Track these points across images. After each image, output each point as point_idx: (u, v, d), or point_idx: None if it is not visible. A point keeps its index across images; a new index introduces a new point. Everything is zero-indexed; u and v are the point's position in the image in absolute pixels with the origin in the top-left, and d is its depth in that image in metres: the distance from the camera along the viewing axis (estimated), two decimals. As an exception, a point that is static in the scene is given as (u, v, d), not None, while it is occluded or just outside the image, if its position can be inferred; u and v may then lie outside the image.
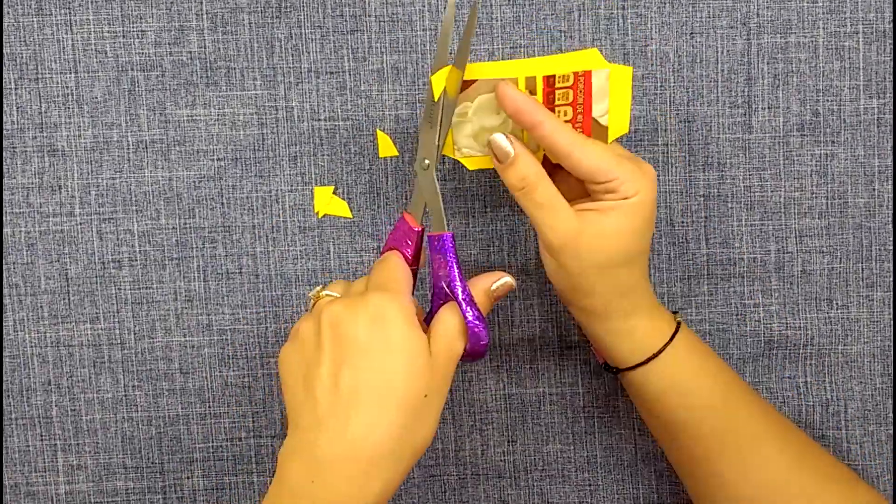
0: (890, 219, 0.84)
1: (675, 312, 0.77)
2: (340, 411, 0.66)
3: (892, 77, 0.83)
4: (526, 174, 0.71)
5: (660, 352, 0.74)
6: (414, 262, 0.74)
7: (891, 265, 0.85)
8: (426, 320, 0.72)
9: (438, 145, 0.74)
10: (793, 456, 0.75)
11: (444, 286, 0.71)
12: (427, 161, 0.74)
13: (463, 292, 0.70)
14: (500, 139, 0.72)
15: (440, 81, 0.72)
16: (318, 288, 0.72)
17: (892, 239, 0.84)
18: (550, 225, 0.71)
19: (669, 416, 0.75)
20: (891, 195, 0.84)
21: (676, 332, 0.75)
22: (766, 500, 0.74)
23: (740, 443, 0.74)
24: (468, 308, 0.70)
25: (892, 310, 0.85)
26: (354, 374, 0.66)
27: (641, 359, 0.74)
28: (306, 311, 0.78)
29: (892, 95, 0.83)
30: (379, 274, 0.71)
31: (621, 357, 0.75)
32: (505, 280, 0.72)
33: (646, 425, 0.80)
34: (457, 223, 0.84)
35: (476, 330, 0.69)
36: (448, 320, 0.70)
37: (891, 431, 0.85)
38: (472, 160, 0.75)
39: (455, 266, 0.71)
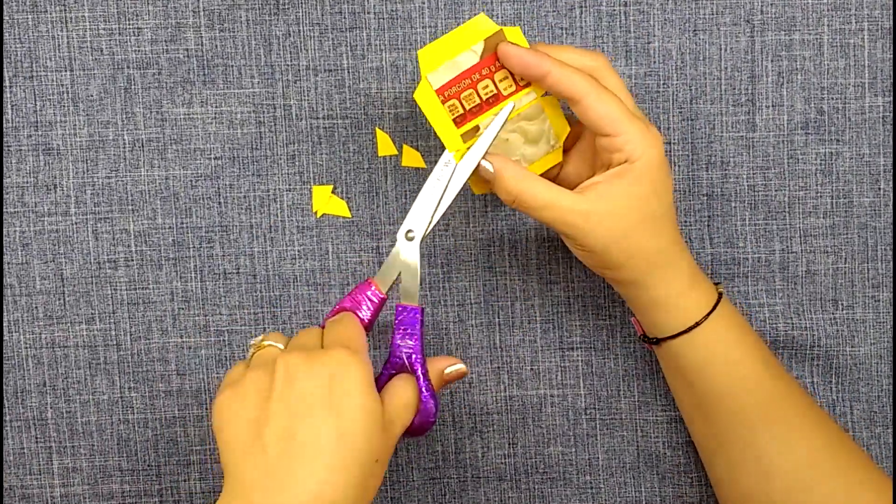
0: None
1: (716, 284, 0.77)
2: (293, 466, 0.63)
3: (894, 75, 0.83)
4: (512, 186, 0.71)
5: (703, 320, 0.74)
6: (366, 329, 0.74)
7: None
8: (376, 382, 0.71)
9: (432, 221, 0.73)
10: (830, 437, 0.75)
11: (404, 357, 0.72)
12: (412, 233, 0.73)
13: (422, 368, 0.71)
14: (482, 164, 0.73)
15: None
16: (260, 338, 0.70)
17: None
18: (556, 219, 0.71)
19: (709, 387, 0.75)
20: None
21: (718, 301, 0.75)
22: (803, 477, 0.74)
23: (783, 416, 0.75)
24: (425, 383, 0.71)
25: (893, 311, 0.84)
26: (310, 430, 0.63)
27: (683, 327, 0.74)
28: (242, 359, 0.77)
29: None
30: (337, 331, 0.70)
31: (664, 325, 0.75)
32: (459, 367, 0.73)
33: (679, 402, 0.80)
34: (457, 223, 0.84)
35: (428, 406, 0.70)
36: (404, 392, 0.69)
37: (897, 434, 0.85)
38: (479, 185, 0.76)
39: (420, 341, 0.72)
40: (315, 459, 0.63)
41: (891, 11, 0.82)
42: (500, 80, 0.73)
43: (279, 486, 0.62)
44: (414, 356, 0.71)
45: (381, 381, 0.71)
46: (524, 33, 0.82)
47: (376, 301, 0.74)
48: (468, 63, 0.72)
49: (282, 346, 0.70)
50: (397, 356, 0.72)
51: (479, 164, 0.73)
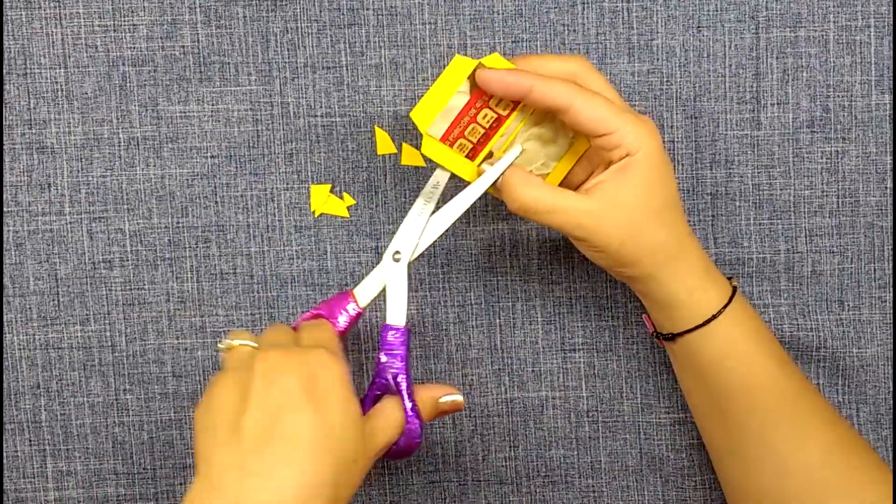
0: (902, 218, 0.83)
1: (729, 278, 0.77)
2: (269, 457, 0.63)
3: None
4: (518, 195, 0.71)
5: (720, 312, 0.74)
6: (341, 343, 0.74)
7: (903, 265, 0.84)
8: (362, 404, 0.71)
9: (419, 244, 0.73)
10: (843, 437, 0.75)
11: (389, 378, 0.72)
12: (400, 254, 0.74)
13: (407, 389, 0.71)
14: (489, 171, 0.73)
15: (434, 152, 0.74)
16: (228, 340, 0.70)
17: (904, 238, 0.83)
18: (567, 223, 0.71)
19: (724, 384, 0.75)
20: (903, 193, 0.83)
21: (734, 294, 0.75)
22: (816, 477, 0.74)
23: (797, 414, 0.74)
24: (410, 404, 0.71)
25: (902, 311, 0.84)
26: (289, 423, 0.64)
27: (700, 320, 0.74)
28: (218, 369, 0.77)
29: (904, 91, 0.82)
30: (315, 334, 0.71)
31: (680, 320, 0.74)
32: (456, 398, 0.73)
33: (691, 400, 0.79)
34: (457, 223, 0.83)
35: (412, 427, 0.70)
36: (391, 411, 0.70)
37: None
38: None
39: (406, 362, 0.72)
40: (292, 451, 0.63)
41: (897, 8, 0.82)
42: (496, 105, 0.73)
43: (254, 475, 0.63)
44: (399, 377, 0.71)
45: (366, 402, 0.72)
46: (525, 30, 0.82)
47: (353, 314, 0.74)
48: (460, 104, 0.73)
49: (254, 345, 0.70)
50: (383, 377, 0.72)
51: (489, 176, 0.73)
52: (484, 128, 0.73)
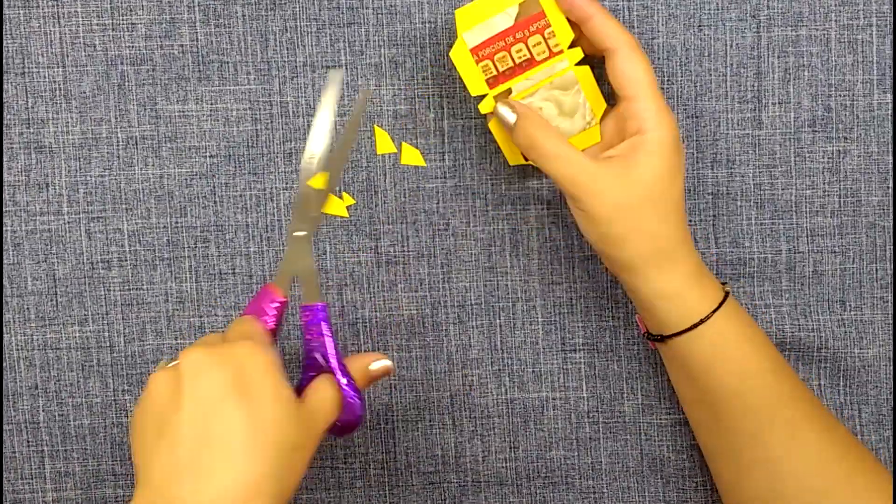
0: (904, 217, 0.83)
1: (722, 283, 0.76)
2: (207, 457, 0.62)
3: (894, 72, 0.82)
4: (531, 132, 0.73)
5: (709, 316, 0.73)
6: (272, 336, 0.73)
7: (905, 265, 0.83)
8: (297, 391, 0.70)
9: (316, 216, 0.74)
10: (839, 441, 0.75)
11: (318, 357, 0.71)
12: (300, 233, 0.74)
13: (339, 364, 0.71)
14: (501, 109, 0.74)
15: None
16: (162, 362, 0.70)
17: (906, 238, 0.83)
18: (565, 174, 0.72)
19: (717, 387, 0.74)
20: (905, 193, 0.83)
21: (726, 298, 0.74)
22: (812, 482, 0.73)
23: (791, 418, 0.74)
24: (345, 379, 0.70)
25: (902, 312, 0.83)
26: (221, 422, 0.63)
27: (689, 323, 0.73)
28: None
29: (906, 90, 0.82)
30: (238, 329, 0.70)
31: (668, 321, 0.74)
32: (384, 364, 0.72)
33: (684, 404, 0.79)
34: (457, 222, 0.83)
35: (351, 400, 0.70)
36: (323, 388, 0.69)
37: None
38: (515, 156, 0.78)
39: (330, 337, 0.71)
40: (229, 448, 0.62)
41: (899, 6, 0.82)
42: (534, 46, 0.74)
43: (194, 477, 0.62)
44: (326, 354, 0.71)
45: (303, 385, 0.71)
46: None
47: (277, 305, 0.73)
48: (502, 25, 0.74)
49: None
50: (312, 357, 0.72)
51: (498, 111, 0.74)
52: (514, 62, 0.74)
